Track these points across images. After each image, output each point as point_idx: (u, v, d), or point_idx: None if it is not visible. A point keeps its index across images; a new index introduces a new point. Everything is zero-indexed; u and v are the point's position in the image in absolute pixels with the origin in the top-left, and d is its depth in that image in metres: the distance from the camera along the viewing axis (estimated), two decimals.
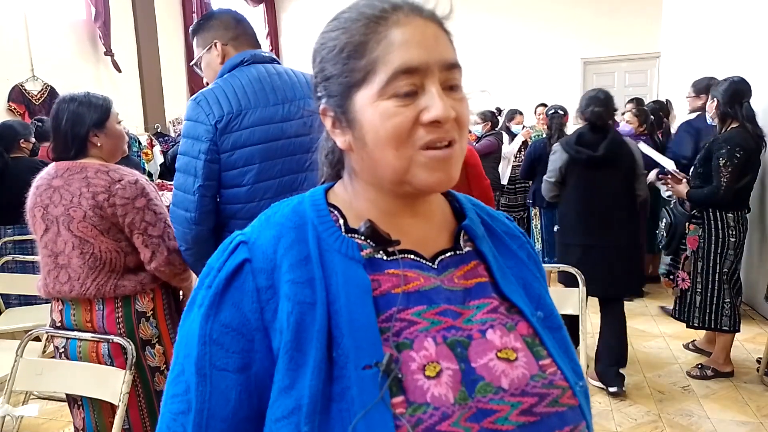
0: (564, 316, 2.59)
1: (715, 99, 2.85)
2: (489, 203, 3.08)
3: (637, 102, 4.53)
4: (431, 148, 0.58)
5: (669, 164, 3.26)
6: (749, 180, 2.80)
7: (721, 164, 2.74)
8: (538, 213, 4.25)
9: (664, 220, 3.15)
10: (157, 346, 1.73)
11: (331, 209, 0.65)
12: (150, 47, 6.32)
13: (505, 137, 5.22)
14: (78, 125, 1.66)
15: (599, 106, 2.72)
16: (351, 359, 0.55)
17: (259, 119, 1.49)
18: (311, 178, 1.50)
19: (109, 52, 5.78)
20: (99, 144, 1.69)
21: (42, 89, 5.17)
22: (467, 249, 0.67)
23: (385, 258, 0.62)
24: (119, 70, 5.91)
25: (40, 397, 2.81)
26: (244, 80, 1.51)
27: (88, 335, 1.66)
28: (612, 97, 2.81)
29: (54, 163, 1.70)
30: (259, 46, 1.69)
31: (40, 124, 3.68)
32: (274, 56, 1.64)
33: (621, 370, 2.82)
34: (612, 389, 2.78)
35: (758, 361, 2.99)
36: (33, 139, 3.50)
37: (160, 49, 6.46)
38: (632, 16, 7.37)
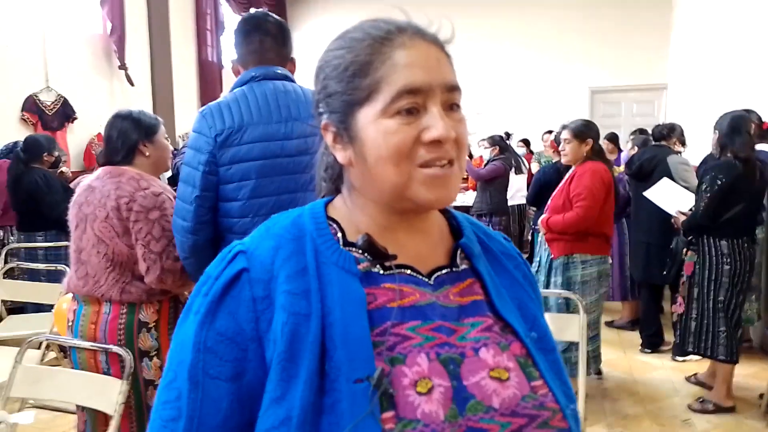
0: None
1: (716, 131, 2.90)
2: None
3: (640, 132, 4.59)
4: (430, 166, 0.59)
5: (678, 207, 3.27)
6: (742, 209, 2.80)
7: (702, 190, 2.84)
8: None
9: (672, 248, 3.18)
10: (155, 359, 1.73)
11: (330, 222, 0.65)
12: (163, 62, 6.41)
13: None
14: (128, 135, 1.79)
15: None
16: (343, 372, 0.55)
17: (260, 135, 1.48)
18: (311, 198, 1.49)
19: (123, 66, 5.88)
20: (147, 154, 1.81)
21: (55, 100, 5.24)
22: (463, 267, 0.68)
23: (381, 272, 0.63)
24: (132, 84, 6.00)
25: (35, 406, 2.79)
26: (251, 96, 1.52)
27: (87, 344, 1.68)
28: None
29: (101, 166, 1.83)
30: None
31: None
32: (288, 73, 1.61)
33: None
34: None
35: (761, 397, 2.95)
36: (56, 153, 3.76)
37: (173, 64, 6.56)
38: (640, 47, 7.45)
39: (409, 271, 0.64)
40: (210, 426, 0.58)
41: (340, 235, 0.64)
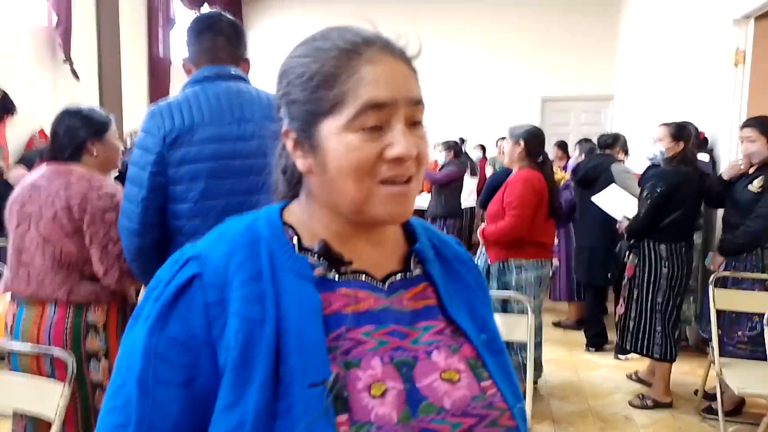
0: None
1: (678, 140, 2.99)
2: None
3: (585, 141, 4.79)
4: (389, 183, 0.60)
5: (624, 213, 3.41)
6: (681, 214, 2.95)
7: (643, 196, 3.00)
8: None
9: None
10: (102, 360, 1.69)
11: (286, 227, 0.66)
12: (112, 57, 6.20)
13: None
14: (76, 132, 1.73)
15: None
16: (297, 377, 0.56)
17: (211, 136, 1.45)
18: (264, 201, 1.45)
19: (68, 60, 5.65)
20: (95, 153, 1.75)
21: None
22: (417, 272, 0.69)
23: (336, 278, 0.63)
24: (78, 78, 5.77)
25: None
26: (203, 95, 1.49)
27: (27, 348, 1.61)
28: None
29: (46, 163, 1.75)
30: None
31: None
32: (241, 74, 1.59)
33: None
34: None
35: (696, 393, 3.12)
36: None
37: (123, 59, 6.35)
38: (590, 59, 7.73)
39: (363, 277, 0.65)
40: None
41: (296, 240, 0.65)
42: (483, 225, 3.03)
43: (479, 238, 3.03)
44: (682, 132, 3.01)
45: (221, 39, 1.56)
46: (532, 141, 2.90)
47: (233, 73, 1.56)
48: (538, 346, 3.01)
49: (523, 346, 2.14)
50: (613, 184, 3.62)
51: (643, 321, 3.03)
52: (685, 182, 2.94)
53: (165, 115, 1.46)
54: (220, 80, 1.52)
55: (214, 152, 1.45)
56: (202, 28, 1.57)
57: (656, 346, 3.00)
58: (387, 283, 0.66)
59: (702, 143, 3.69)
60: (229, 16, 1.62)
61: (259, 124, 1.48)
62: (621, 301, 3.18)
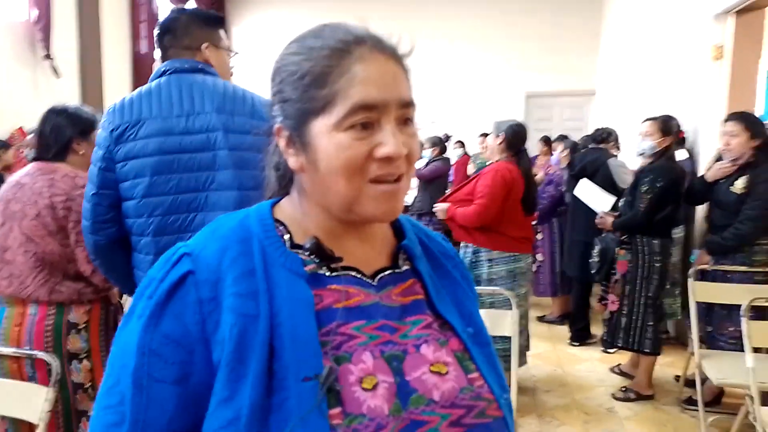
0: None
1: (669, 137, 3.05)
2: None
3: (563, 138, 4.84)
4: (380, 182, 0.61)
5: (602, 207, 3.45)
6: (671, 210, 3.01)
7: (642, 191, 2.99)
8: None
9: (597, 247, 3.32)
10: (84, 361, 1.67)
11: (277, 224, 0.66)
12: (93, 53, 6.11)
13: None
14: (62, 131, 1.72)
15: None
16: (291, 371, 0.57)
17: (156, 130, 1.41)
18: (213, 198, 1.42)
19: (48, 56, 5.56)
20: (81, 152, 1.75)
21: None
22: (405, 267, 0.71)
23: (327, 274, 0.65)
24: (58, 75, 5.69)
25: None
26: (155, 89, 1.46)
27: (10, 350, 1.59)
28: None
29: (33, 162, 1.75)
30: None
31: None
32: (202, 65, 1.53)
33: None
34: None
35: (677, 379, 3.18)
36: None
37: (104, 56, 6.27)
38: (573, 55, 7.78)
39: (353, 273, 0.66)
40: (155, 429, 0.58)
41: (287, 237, 0.65)
42: (447, 205, 3.06)
43: (442, 214, 3.06)
44: (669, 126, 3.05)
45: (167, 38, 1.57)
46: (511, 135, 2.99)
47: (190, 65, 1.51)
48: (519, 334, 3.02)
49: (504, 338, 2.16)
50: (584, 179, 3.67)
51: (635, 317, 3.05)
52: (680, 177, 3.01)
53: (117, 111, 1.44)
54: (177, 73, 1.49)
55: (159, 146, 1.40)
56: (157, 33, 1.59)
57: (647, 341, 3.04)
58: (376, 279, 0.67)
59: (680, 141, 3.74)
60: (179, 9, 1.62)
61: (209, 116, 1.43)
62: (612, 297, 3.17)
